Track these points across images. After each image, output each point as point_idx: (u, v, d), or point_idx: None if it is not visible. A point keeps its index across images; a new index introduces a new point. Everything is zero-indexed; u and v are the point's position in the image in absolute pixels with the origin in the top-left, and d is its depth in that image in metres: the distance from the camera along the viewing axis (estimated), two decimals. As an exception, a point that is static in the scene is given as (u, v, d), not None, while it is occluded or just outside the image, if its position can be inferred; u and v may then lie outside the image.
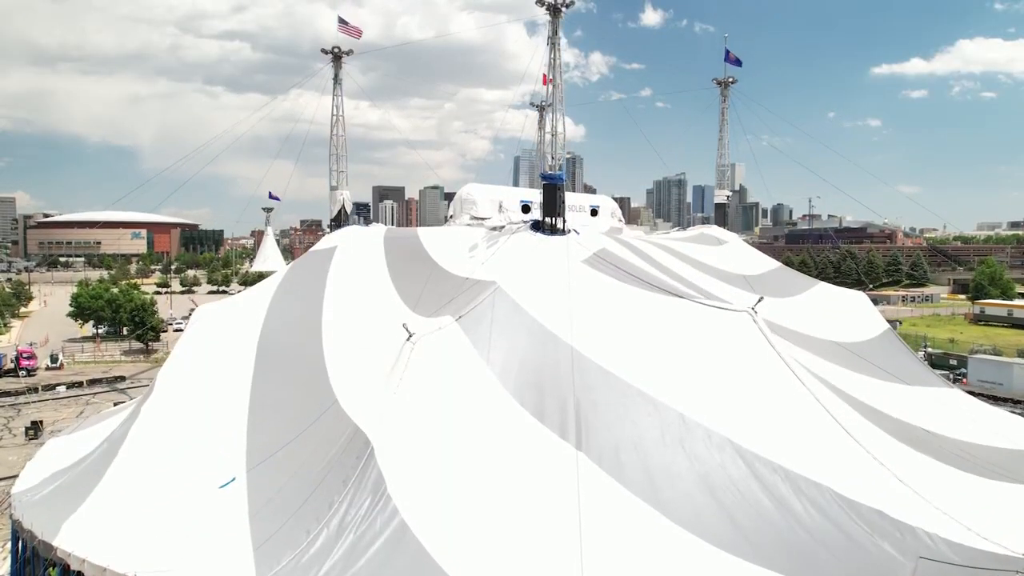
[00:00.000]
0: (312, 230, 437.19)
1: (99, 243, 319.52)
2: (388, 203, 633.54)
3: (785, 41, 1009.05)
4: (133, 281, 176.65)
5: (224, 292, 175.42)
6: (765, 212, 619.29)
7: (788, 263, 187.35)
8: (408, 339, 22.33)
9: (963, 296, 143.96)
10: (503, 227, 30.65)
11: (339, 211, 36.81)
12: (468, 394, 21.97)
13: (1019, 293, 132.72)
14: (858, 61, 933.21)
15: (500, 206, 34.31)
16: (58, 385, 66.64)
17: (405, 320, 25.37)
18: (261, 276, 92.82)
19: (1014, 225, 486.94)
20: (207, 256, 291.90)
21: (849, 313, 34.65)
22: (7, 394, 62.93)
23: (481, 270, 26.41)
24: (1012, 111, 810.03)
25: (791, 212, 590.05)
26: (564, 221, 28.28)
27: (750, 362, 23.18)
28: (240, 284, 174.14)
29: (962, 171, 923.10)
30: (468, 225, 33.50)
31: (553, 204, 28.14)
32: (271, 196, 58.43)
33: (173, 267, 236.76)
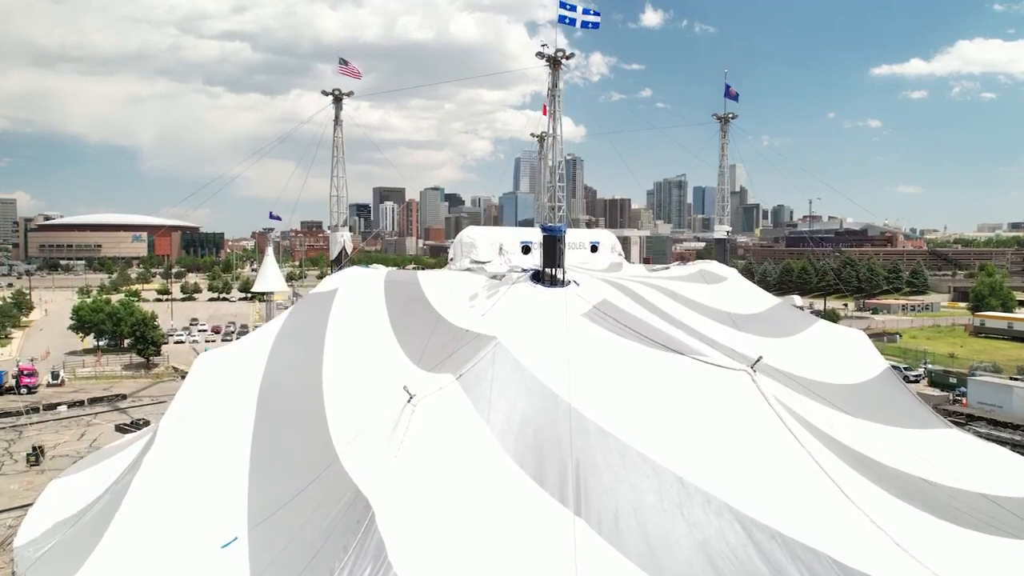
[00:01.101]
0: (312, 232, 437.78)
1: (100, 246, 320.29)
2: (388, 204, 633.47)
3: (785, 41, 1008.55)
4: (133, 288, 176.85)
5: (225, 299, 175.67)
6: (766, 213, 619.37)
7: (789, 270, 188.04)
8: (409, 401, 22.44)
9: (963, 304, 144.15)
10: (503, 275, 30.74)
11: (340, 252, 36.91)
12: (469, 457, 22.07)
13: (1020, 302, 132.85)
14: (858, 61, 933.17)
15: (500, 248, 34.42)
16: (59, 404, 66.62)
17: (407, 373, 25.54)
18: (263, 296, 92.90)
19: (1015, 226, 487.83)
20: (208, 259, 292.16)
21: (848, 353, 34.74)
22: (8, 414, 62.93)
23: (481, 322, 26.50)
24: (1012, 111, 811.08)
25: (791, 213, 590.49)
26: (564, 272, 28.38)
27: (748, 423, 23.27)
28: (241, 291, 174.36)
29: (962, 171, 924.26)
30: (468, 269, 33.65)
31: (553, 255, 28.24)
32: (272, 216, 58.76)
33: (174, 271, 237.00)
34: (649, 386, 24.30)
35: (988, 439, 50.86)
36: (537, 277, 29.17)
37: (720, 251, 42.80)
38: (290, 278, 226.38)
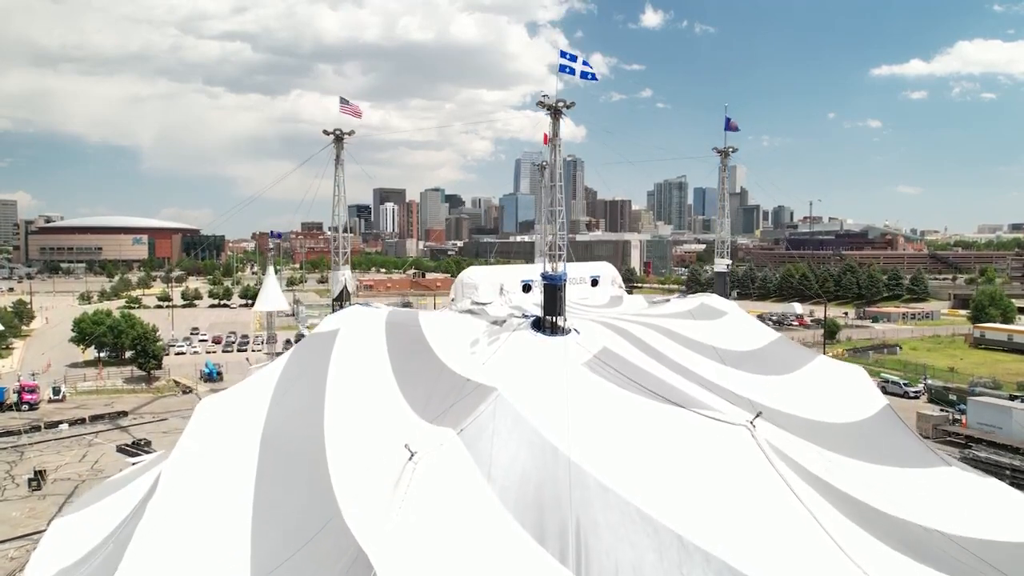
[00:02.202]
0: (313, 233, 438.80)
1: (100, 249, 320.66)
2: (389, 205, 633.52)
3: (785, 41, 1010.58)
4: (134, 294, 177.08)
5: (225, 305, 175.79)
6: (766, 215, 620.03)
7: (789, 276, 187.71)
8: (410, 458, 22.57)
9: (963, 312, 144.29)
10: (504, 320, 30.84)
11: (341, 291, 37.04)
12: (470, 516, 22.19)
13: (1020, 309, 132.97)
14: (858, 62, 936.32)
15: (501, 289, 34.52)
16: (61, 422, 66.79)
17: (408, 424, 25.69)
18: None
19: (1015, 227, 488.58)
20: (209, 263, 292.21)
21: (847, 390, 34.85)
22: (9, 433, 63.08)
23: (482, 371, 26.62)
24: (1012, 112, 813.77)
25: (792, 214, 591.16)
26: (564, 319, 28.50)
27: (747, 479, 23.39)
28: (241, 298, 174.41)
29: (962, 172, 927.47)
30: (469, 310, 33.73)
31: (554, 303, 28.38)
32: (272, 235, 58.71)
33: (174, 275, 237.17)
34: (649, 440, 24.43)
35: (987, 463, 51.03)
36: (538, 324, 29.30)
37: (720, 283, 42.99)
38: (291, 283, 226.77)
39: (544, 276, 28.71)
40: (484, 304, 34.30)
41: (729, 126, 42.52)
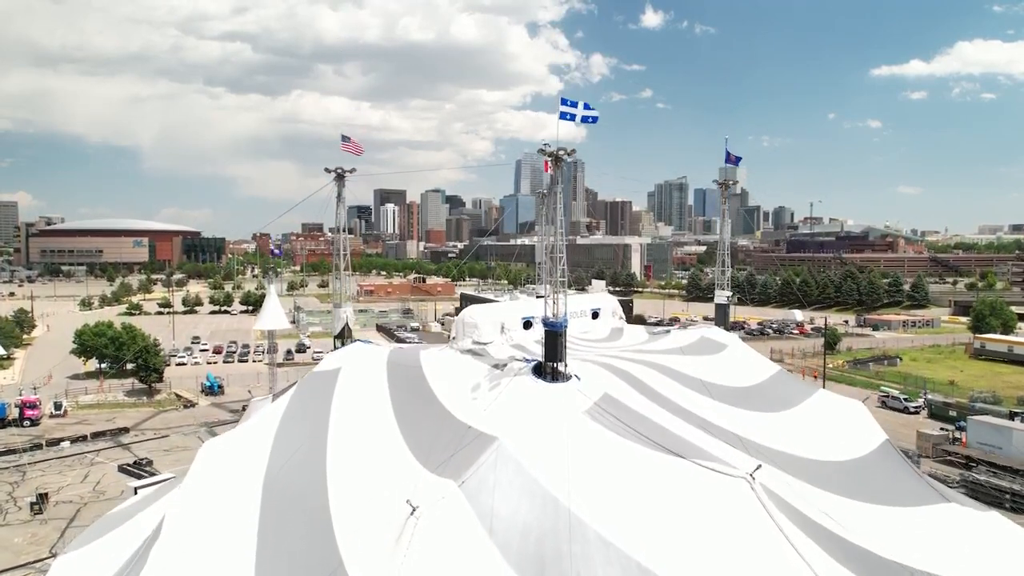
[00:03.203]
0: (313, 235, 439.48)
1: (101, 251, 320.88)
2: (389, 206, 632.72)
3: (785, 41, 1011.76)
4: (135, 300, 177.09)
5: (226, 311, 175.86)
6: (767, 215, 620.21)
7: (789, 284, 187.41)
8: (412, 513, 22.69)
9: (964, 319, 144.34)
10: (505, 364, 30.87)
11: (343, 328, 37.19)
12: (471, 571, 22.30)
13: (1020, 315, 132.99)
14: (858, 62, 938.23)
15: (502, 327, 34.59)
16: (62, 439, 66.83)
17: (410, 472, 25.82)
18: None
19: (1016, 228, 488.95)
20: (209, 266, 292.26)
21: (846, 426, 34.89)
22: (11, 452, 63.10)
23: (483, 418, 26.71)
24: (1012, 112, 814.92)
25: (792, 215, 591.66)
26: (565, 365, 28.56)
27: (747, 533, 23.50)
28: (242, 304, 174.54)
29: (963, 172, 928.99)
30: (470, 350, 33.81)
31: (555, 350, 28.45)
32: (272, 253, 58.87)
33: (175, 278, 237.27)
34: (649, 492, 24.52)
35: (987, 487, 51.09)
36: (538, 370, 29.35)
37: (720, 315, 43.12)
38: (291, 287, 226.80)
39: (545, 322, 28.79)
40: (485, 344, 34.38)
41: (729, 159, 42.53)
